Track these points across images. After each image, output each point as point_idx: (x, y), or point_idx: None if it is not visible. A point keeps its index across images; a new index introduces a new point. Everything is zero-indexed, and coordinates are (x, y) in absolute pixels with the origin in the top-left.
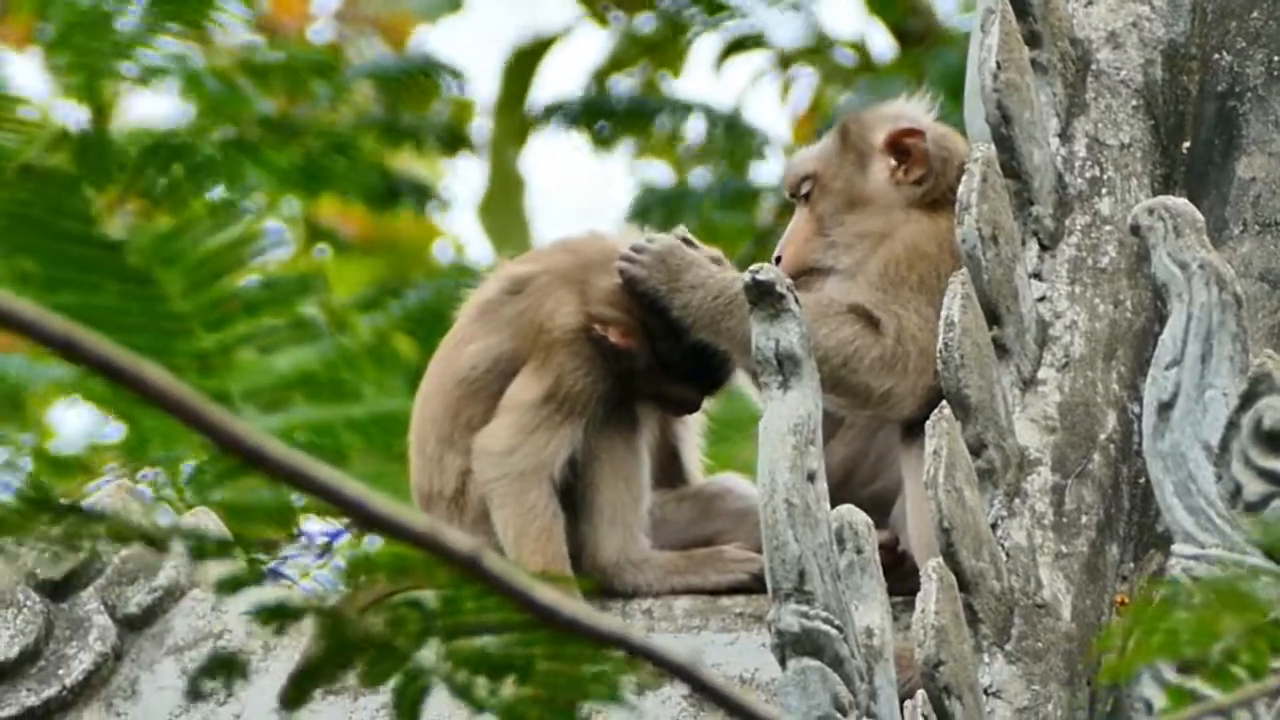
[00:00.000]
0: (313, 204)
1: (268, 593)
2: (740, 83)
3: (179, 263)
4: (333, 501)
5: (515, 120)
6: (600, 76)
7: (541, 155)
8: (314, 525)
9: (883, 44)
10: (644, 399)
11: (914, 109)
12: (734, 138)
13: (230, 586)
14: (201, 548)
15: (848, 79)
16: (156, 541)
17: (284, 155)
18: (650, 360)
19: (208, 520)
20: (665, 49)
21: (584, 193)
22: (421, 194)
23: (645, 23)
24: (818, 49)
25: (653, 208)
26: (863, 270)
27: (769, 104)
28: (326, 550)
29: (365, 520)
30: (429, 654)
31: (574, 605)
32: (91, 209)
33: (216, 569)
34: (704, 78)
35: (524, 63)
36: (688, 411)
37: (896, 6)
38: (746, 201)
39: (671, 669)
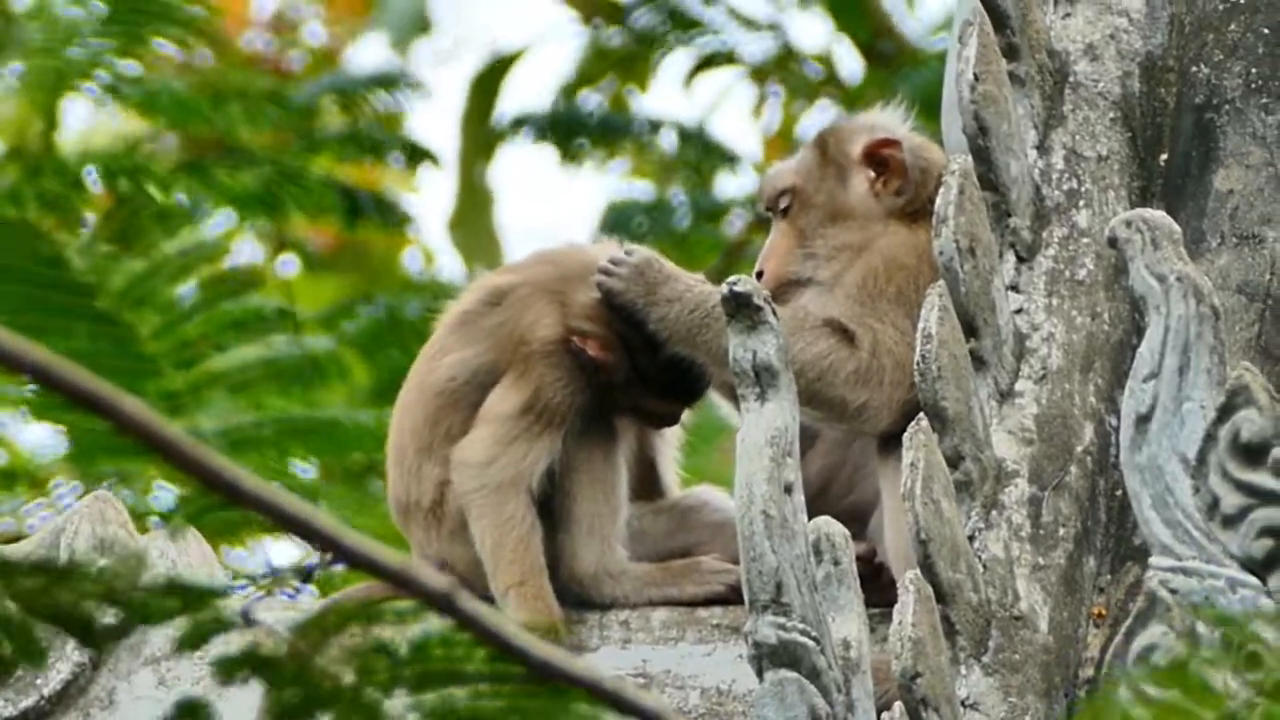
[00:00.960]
0: (281, 218)
1: (232, 641)
2: (709, 97)
3: (149, 304)
4: (307, 536)
5: (482, 135)
6: (568, 91)
7: (510, 169)
8: (277, 552)
9: (852, 64)
10: (623, 412)
11: (889, 119)
12: (704, 152)
13: (191, 641)
14: (165, 605)
15: (814, 93)
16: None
17: (237, 180)
18: (629, 373)
19: (163, 543)
20: (633, 64)
21: (552, 206)
22: (384, 209)
23: (613, 36)
24: (784, 62)
25: (623, 222)
26: (841, 283)
27: (738, 119)
28: (302, 578)
29: (340, 555)
30: (396, 704)
31: (547, 649)
32: (58, 251)
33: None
34: (672, 92)
35: (490, 77)
36: (667, 425)
37: (865, 25)
38: (716, 216)
39: (644, 717)
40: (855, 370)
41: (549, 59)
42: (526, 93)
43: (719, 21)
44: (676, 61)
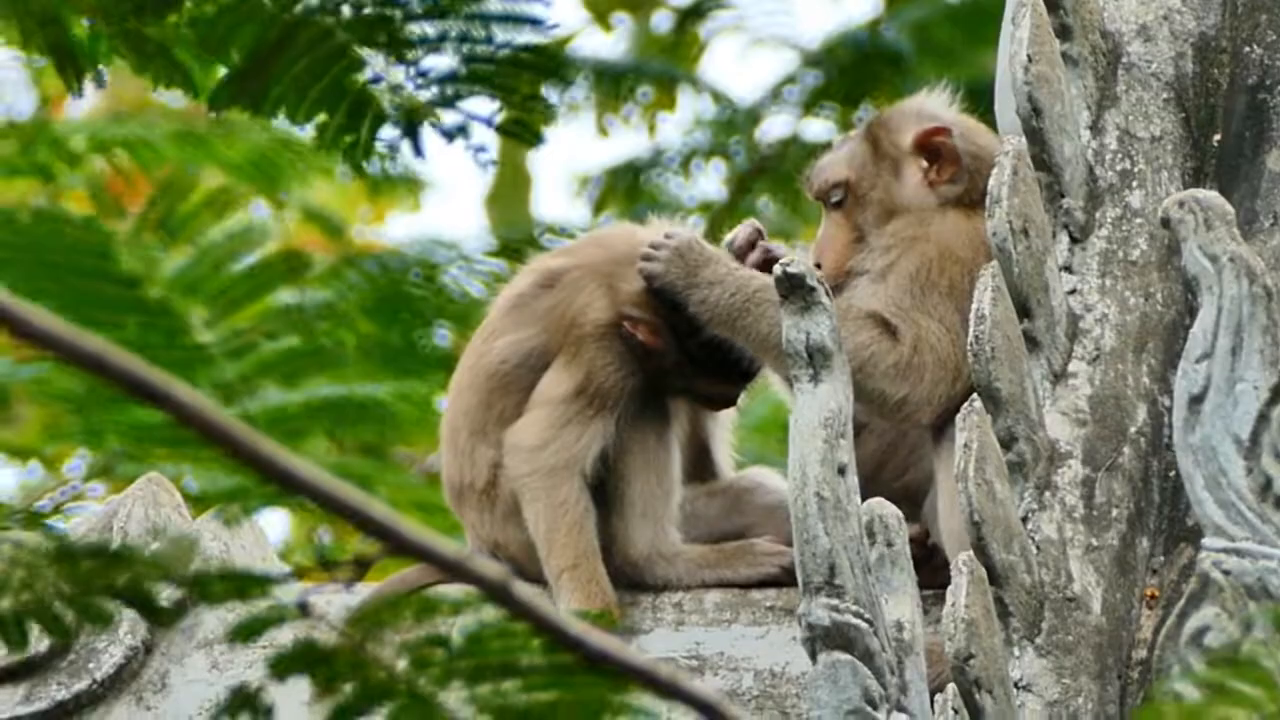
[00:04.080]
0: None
1: (286, 634)
2: (761, 80)
3: (199, 293)
4: (363, 527)
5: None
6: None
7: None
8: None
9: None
10: (677, 394)
11: (936, 104)
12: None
13: (246, 633)
14: (219, 589)
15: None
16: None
17: (235, 148)
18: (679, 357)
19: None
20: (680, 49)
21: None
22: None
23: (662, 21)
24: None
25: (620, 185)
26: (894, 271)
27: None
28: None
29: (396, 546)
30: (451, 697)
31: (602, 638)
32: (105, 242)
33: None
34: (721, 74)
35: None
36: (723, 407)
37: None
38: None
39: (698, 706)
40: (895, 364)
41: (595, 47)
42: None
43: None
44: (727, 44)
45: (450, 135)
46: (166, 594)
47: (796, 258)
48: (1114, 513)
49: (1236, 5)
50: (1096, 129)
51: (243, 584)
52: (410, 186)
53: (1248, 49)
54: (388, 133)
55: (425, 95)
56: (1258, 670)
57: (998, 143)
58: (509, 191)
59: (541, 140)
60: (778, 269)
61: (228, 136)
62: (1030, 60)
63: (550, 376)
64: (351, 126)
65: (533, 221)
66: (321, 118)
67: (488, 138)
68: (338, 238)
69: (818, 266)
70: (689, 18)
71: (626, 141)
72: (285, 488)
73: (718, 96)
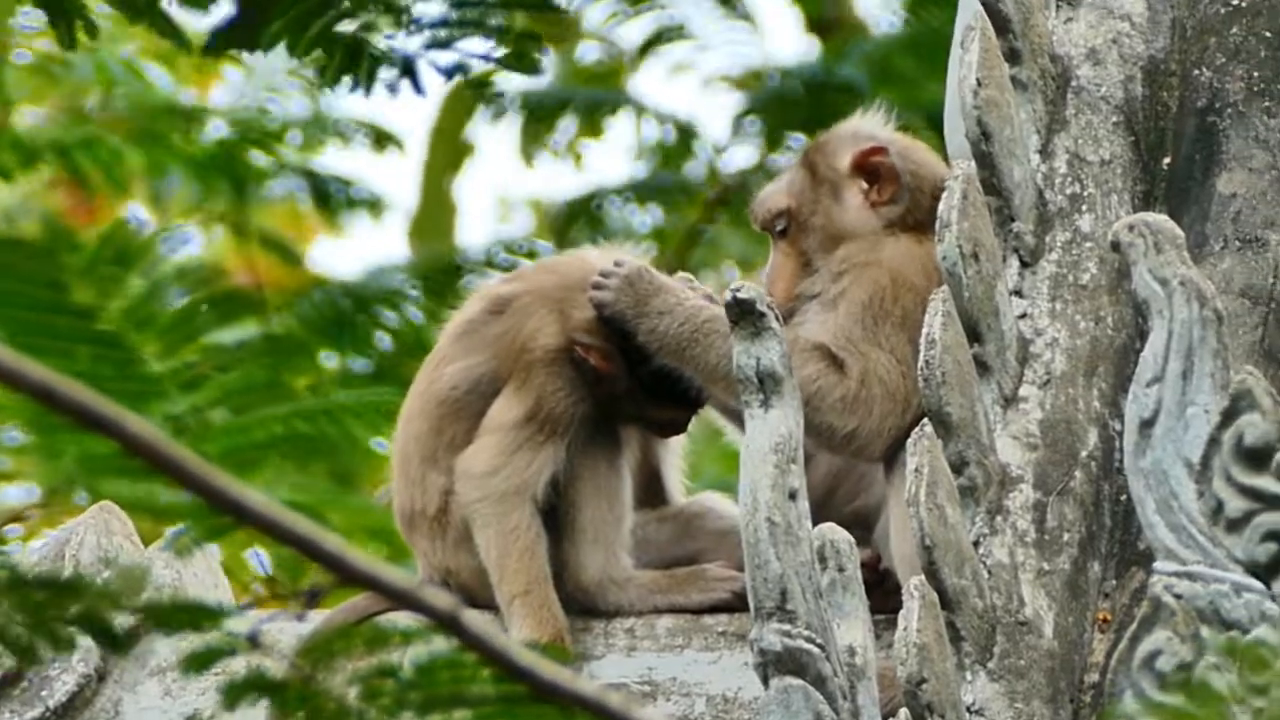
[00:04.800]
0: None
1: (238, 664)
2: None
3: (151, 326)
4: (312, 556)
5: (452, 148)
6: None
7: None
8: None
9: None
10: (627, 420)
11: (871, 125)
12: (682, 139)
13: (198, 664)
14: (171, 618)
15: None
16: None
17: (195, 145)
18: (630, 383)
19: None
20: (607, 78)
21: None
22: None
23: (588, 52)
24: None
25: (576, 217)
26: (846, 299)
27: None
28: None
29: (346, 576)
30: None
31: (552, 668)
32: (58, 272)
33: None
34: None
35: (464, 92)
36: (673, 433)
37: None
38: (675, 201)
39: None
40: (843, 397)
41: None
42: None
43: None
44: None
45: (449, 73)
46: (120, 622)
47: (747, 284)
48: (1065, 537)
49: (1185, 29)
50: (1046, 153)
51: (195, 614)
52: (373, 208)
53: (1197, 72)
54: (386, 73)
55: (418, 40)
56: (1210, 694)
57: (937, 161)
58: (433, 220)
59: (539, 70)
60: (728, 294)
61: (188, 137)
62: (979, 84)
63: (500, 403)
64: (351, 66)
65: (456, 250)
66: (320, 57)
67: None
68: (294, 265)
69: None
70: (649, 47)
71: (552, 171)
72: (236, 518)
73: (678, 125)
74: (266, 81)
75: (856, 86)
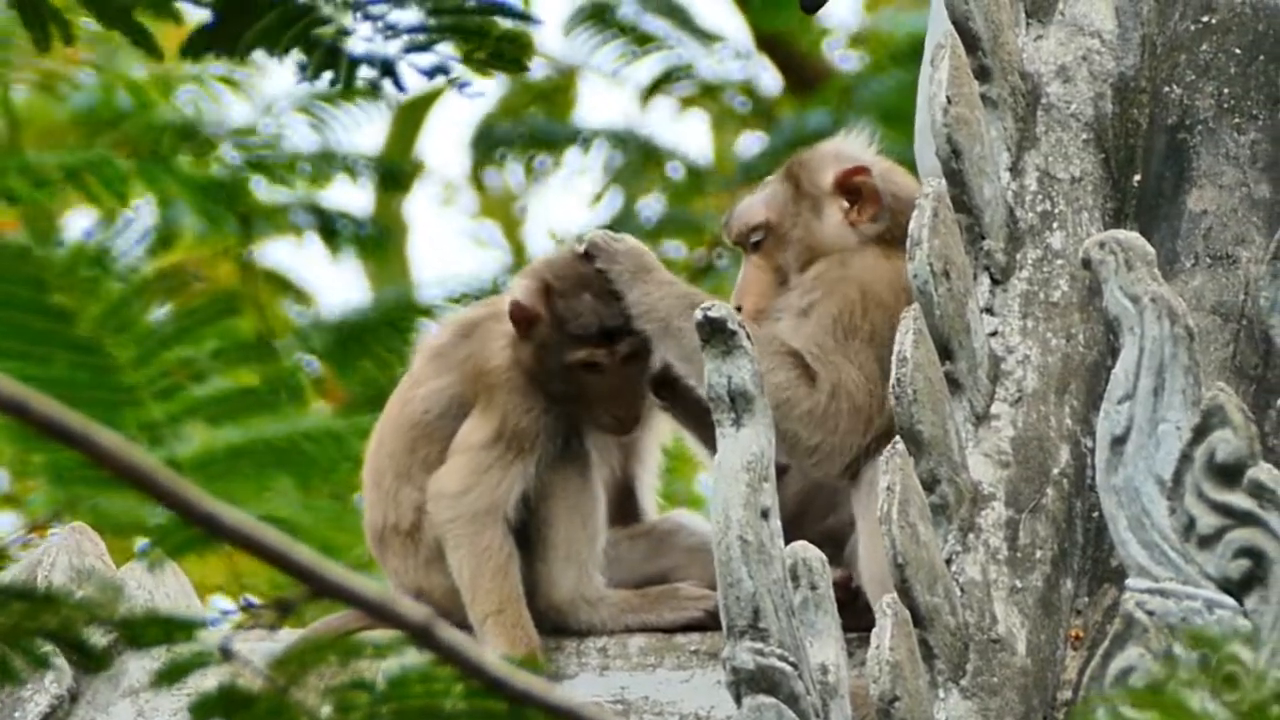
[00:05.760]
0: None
1: (210, 681)
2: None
3: (129, 331)
4: (286, 569)
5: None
6: (490, 124)
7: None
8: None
9: (770, 83)
10: (589, 425)
11: (855, 145)
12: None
13: (171, 677)
14: (147, 632)
15: (742, 123)
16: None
17: (199, 171)
18: (554, 329)
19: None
20: (555, 96)
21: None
22: (362, 231)
23: (536, 69)
24: (711, 92)
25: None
26: (817, 311)
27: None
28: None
29: (320, 588)
30: None
31: (526, 679)
32: (41, 272)
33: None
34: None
35: (409, 115)
36: (626, 429)
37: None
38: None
39: None
40: (811, 410)
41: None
42: (449, 126)
43: (674, 38)
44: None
45: (430, 74)
46: (96, 637)
47: (717, 302)
48: (1038, 554)
49: (1155, 46)
50: (1016, 170)
51: (170, 627)
52: (373, 246)
53: (1167, 89)
54: (367, 72)
55: (395, 45)
56: (1182, 710)
57: (916, 184)
58: (386, 254)
59: (525, 68)
60: (698, 313)
61: (193, 161)
62: (949, 102)
63: (469, 424)
64: (330, 64)
65: (411, 279)
66: (300, 57)
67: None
68: (305, 301)
69: (738, 309)
70: (658, 86)
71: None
72: (210, 531)
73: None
74: (271, 110)
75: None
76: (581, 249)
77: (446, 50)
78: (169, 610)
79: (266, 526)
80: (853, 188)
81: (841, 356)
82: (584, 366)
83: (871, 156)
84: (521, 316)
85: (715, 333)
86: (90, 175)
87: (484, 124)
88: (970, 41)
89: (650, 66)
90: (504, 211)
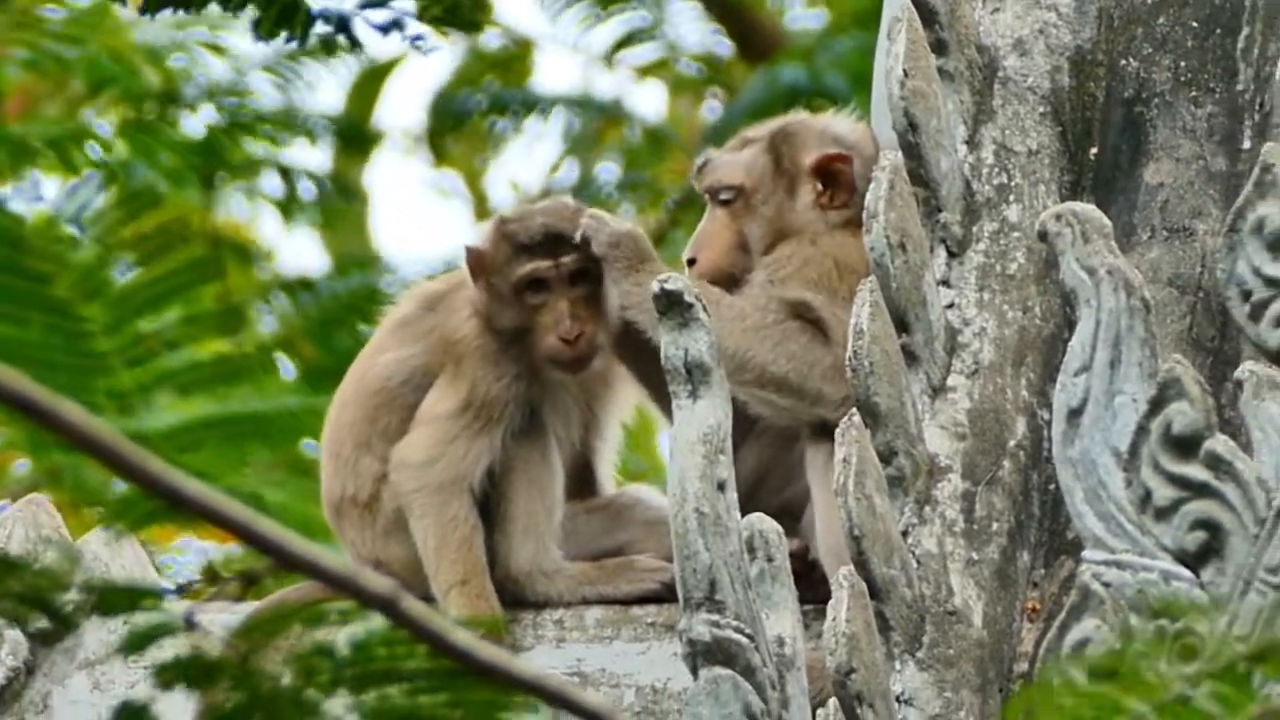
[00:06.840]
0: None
1: (175, 645)
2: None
3: (103, 297)
4: (250, 542)
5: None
6: (447, 93)
7: (384, 171)
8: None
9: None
10: (545, 366)
11: (843, 126)
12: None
13: (136, 645)
14: (112, 600)
15: (697, 90)
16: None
17: (181, 133)
18: (504, 253)
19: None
20: (512, 64)
21: (425, 208)
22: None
23: (491, 39)
24: (665, 63)
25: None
26: (794, 280)
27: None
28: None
29: (283, 561)
30: (338, 705)
31: (489, 649)
32: (20, 231)
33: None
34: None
35: (368, 81)
36: (578, 357)
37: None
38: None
39: (587, 716)
40: (833, 364)
41: (428, 63)
42: (406, 95)
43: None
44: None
45: (385, 29)
46: (61, 602)
47: (674, 275)
48: (994, 526)
49: (1112, 19)
50: (973, 143)
51: (134, 596)
52: (336, 213)
53: (1124, 62)
54: (322, 28)
55: (350, 1)
56: (1138, 680)
57: None
58: (346, 217)
59: (479, 28)
60: (655, 285)
61: (175, 127)
62: (906, 75)
63: (434, 394)
64: (286, 21)
65: (372, 247)
66: (254, 14)
67: (424, 28)
68: (250, 266)
69: (692, 262)
70: (620, 47)
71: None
72: (172, 503)
73: (647, 131)
74: (238, 67)
75: (840, 95)
76: (577, 236)
77: (403, 6)
78: (129, 581)
79: (229, 498)
80: (829, 174)
81: (841, 309)
82: (531, 286)
83: (858, 139)
84: (474, 259)
85: (672, 305)
86: (73, 143)
87: (441, 94)
88: (927, 15)
89: (613, 29)
90: (466, 162)
